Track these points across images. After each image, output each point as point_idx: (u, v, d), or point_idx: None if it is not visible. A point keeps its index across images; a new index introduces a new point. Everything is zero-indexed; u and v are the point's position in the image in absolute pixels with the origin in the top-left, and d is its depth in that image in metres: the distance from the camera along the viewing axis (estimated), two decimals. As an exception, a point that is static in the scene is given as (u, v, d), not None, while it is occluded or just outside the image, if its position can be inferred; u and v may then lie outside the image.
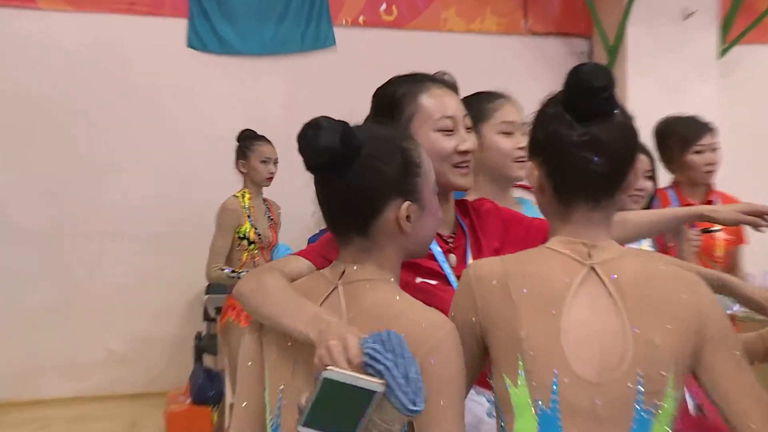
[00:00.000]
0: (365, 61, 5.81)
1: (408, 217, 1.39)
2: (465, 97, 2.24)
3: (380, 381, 1.15)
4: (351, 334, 1.22)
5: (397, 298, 1.36)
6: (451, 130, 1.72)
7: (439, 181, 1.66)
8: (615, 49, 5.97)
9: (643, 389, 1.26)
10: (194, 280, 5.27)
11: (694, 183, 3.29)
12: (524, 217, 1.80)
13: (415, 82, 1.76)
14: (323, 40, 5.84)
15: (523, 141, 2.19)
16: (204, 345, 5.31)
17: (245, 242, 4.06)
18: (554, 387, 1.28)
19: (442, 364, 1.27)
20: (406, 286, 1.45)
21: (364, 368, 1.17)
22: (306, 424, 1.16)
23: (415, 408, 1.15)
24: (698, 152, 3.23)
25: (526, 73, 5.86)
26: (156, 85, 5.58)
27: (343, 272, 1.42)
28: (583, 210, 1.36)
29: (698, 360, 1.30)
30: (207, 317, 5.40)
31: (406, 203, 1.39)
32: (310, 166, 1.38)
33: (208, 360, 5.34)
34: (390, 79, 1.80)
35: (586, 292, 1.31)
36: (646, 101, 5.57)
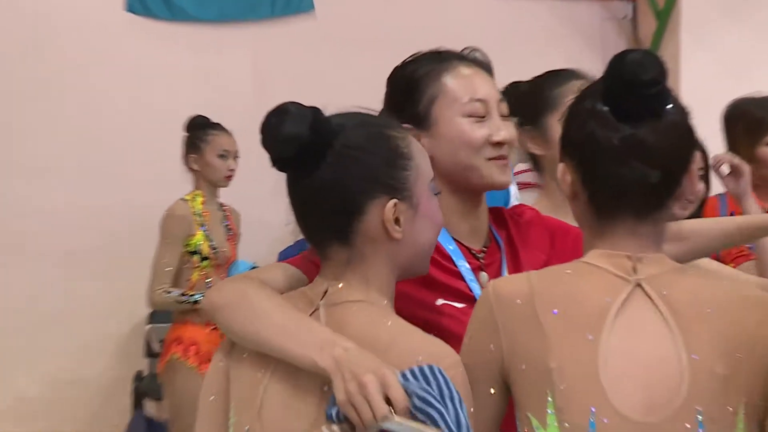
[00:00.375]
0: (350, 28, 5.83)
1: (397, 220, 1.42)
2: (518, 83, 2.30)
3: (436, 430, 1.20)
4: (388, 369, 1.25)
5: (389, 323, 1.39)
6: (483, 116, 1.75)
7: (471, 179, 1.76)
8: (666, 13, 5.99)
9: (704, 429, 1.27)
10: (133, 307, 5.27)
11: (766, 183, 3.33)
12: (570, 226, 1.83)
13: (440, 60, 1.81)
14: (299, 4, 5.87)
15: None
16: (146, 387, 5.27)
17: (196, 258, 4.07)
18: (591, 428, 1.30)
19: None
20: (424, 309, 1.50)
21: (412, 413, 1.22)
22: None
23: None
24: None
25: (554, 45, 5.87)
26: (86, 62, 5.57)
27: (326, 291, 1.46)
28: (627, 223, 1.39)
29: None
30: (150, 353, 5.36)
31: (393, 201, 1.42)
32: (275, 161, 1.43)
33: (150, 406, 5.29)
34: (408, 58, 1.86)
35: (630, 314, 1.34)
36: (704, 80, 5.59)
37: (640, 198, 1.37)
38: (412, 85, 1.80)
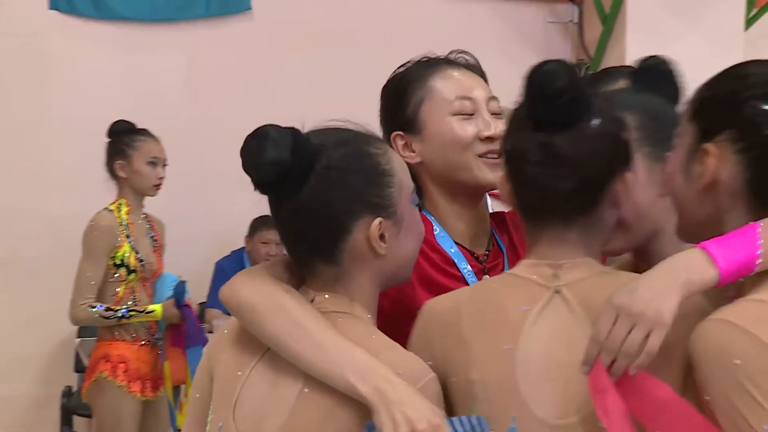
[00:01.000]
0: (290, 29, 5.81)
1: (382, 237, 1.48)
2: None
3: None
4: (438, 416, 1.32)
5: (372, 337, 1.45)
6: (471, 114, 1.81)
7: (462, 178, 1.83)
8: (612, 18, 6.00)
9: None
10: (60, 320, 5.16)
11: None
12: None
13: (428, 65, 1.88)
14: (236, 4, 5.84)
15: None
16: (75, 404, 5.27)
17: (123, 271, 3.95)
18: None
19: None
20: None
21: None
22: None
23: None
24: None
25: (496, 49, 5.85)
26: (7, 62, 5.49)
27: (312, 300, 1.52)
28: (554, 229, 1.46)
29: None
30: (79, 368, 5.34)
31: (378, 220, 1.47)
32: (256, 185, 1.47)
33: (80, 424, 5.29)
34: (399, 67, 1.92)
35: (548, 320, 1.41)
36: (651, 85, 5.59)
37: (562, 204, 1.42)
38: (400, 92, 1.86)
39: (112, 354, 3.94)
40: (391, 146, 1.74)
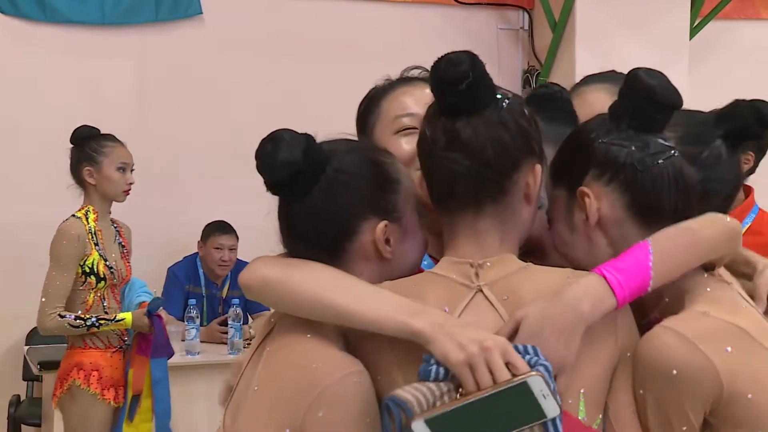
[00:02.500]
0: (241, 35, 5.80)
1: (387, 241, 1.51)
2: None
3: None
4: (502, 339, 1.32)
5: (308, 336, 1.45)
6: (412, 128, 1.79)
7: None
8: (561, 25, 6.06)
9: None
10: (7, 328, 5.12)
11: None
12: None
13: (384, 87, 1.89)
14: (186, 8, 5.82)
15: None
16: (23, 413, 5.24)
17: (92, 279, 3.91)
18: None
19: (332, 419, 1.35)
20: None
21: None
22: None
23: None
24: None
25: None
26: None
27: None
28: (466, 219, 1.47)
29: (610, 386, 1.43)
30: (28, 375, 5.30)
31: (383, 223, 1.50)
32: (269, 185, 1.51)
33: None
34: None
35: (471, 320, 1.41)
36: (600, 91, 5.66)
37: (467, 190, 1.45)
38: (361, 114, 1.89)
39: (85, 362, 3.90)
40: None
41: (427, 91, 1.81)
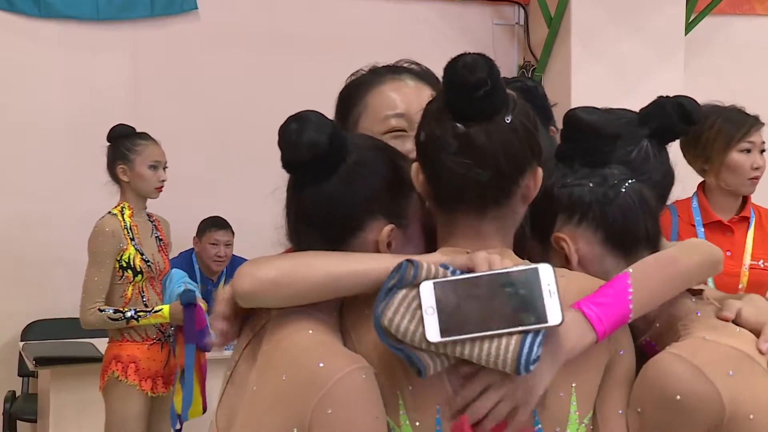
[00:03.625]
0: (235, 30, 5.79)
1: (389, 244, 1.50)
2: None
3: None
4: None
5: (310, 332, 1.43)
6: (401, 130, 1.75)
7: None
8: (557, 20, 6.06)
9: (537, 415, 1.38)
10: (4, 323, 5.13)
11: (725, 192, 3.35)
12: None
13: (372, 75, 1.82)
14: (180, 4, 5.82)
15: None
16: (18, 409, 5.25)
17: (129, 273, 4.02)
18: (438, 425, 1.37)
19: (341, 416, 1.33)
20: None
21: None
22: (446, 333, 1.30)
23: (524, 371, 1.31)
24: (744, 150, 3.29)
25: (444, 49, 5.81)
26: None
27: None
28: (468, 220, 1.47)
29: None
30: (23, 371, 5.31)
31: (390, 227, 1.50)
32: (287, 164, 1.49)
33: (24, 430, 5.23)
34: (353, 73, 1.87)
35: None
36: (595, 87, 5.66)
37: (475, 195, 1.43)
38: (344, 103, 1.83)
39: (123, 355, 4.01)
40: None
41: (412, 84, 1.80)
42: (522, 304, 1.32)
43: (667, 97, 1.72)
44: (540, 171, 1.47)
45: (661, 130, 1.68)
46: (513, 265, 1.36)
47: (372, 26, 5.89)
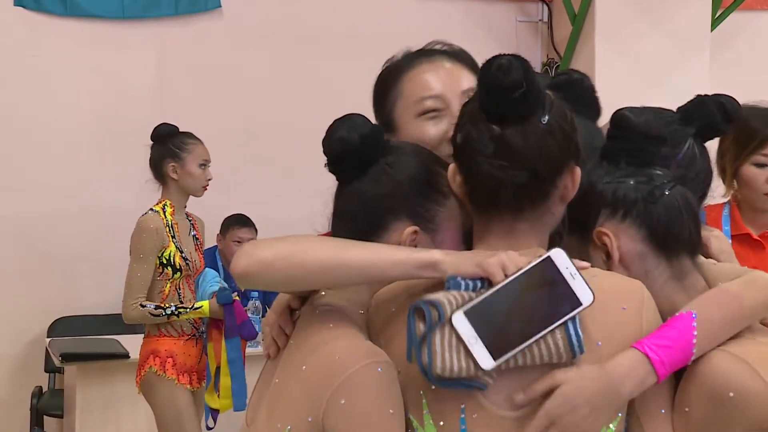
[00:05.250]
0: (259, 28, 5.80)
1: (415, 246, 1.50)
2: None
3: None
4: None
5: (330, 326, 1.46)
6: (437, 110, 1.74)
7: None
8: (581, 17, 6.03)
9: None
10: (30, 320, 5.13)
11: (748, 203, 3.02)
12: None
13: (408, 59, 1.81)
14: (205, 2, 5.83)
15: None
16: (45, 404, 5.27)
17: (169, 270, 4.08)
18: (462, 424, 1.38)
19: (354, 407, 1.35)
20: None
21: None
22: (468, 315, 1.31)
23: (580, 353, 1.33)
24: (757, 165, 2.94)
25: (468, 46, 5.82)
26: None
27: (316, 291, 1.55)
28: (504, 220, 1.46)
29: None
30: (50, 367, 5.33)
31: (412, 228, 1.51)
32: (327, 160, 1.54)
33: (51, 425, 5.24)
34: (389, 58, 1.86)
35: None
36: (620, 84, 5.61)
37: (511, 197, 1.43)
38: (380, 89, 1.82)
39: (160, 349, 4.04)
40: None
41: (448, 65, 1.79)
42: (552, 297, 1.33)
43: (706, 95, 1.71)
44: (578, 171, 1.47)
45: (704, 129, 1.67)
46: (526, 262, 1.36)
47: (396, 23, 5.86)
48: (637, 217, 1.53)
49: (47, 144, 5.36)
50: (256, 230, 5.47)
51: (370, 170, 1.53)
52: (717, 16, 6.18)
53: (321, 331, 1.45)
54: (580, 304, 1.32)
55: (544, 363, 1.34)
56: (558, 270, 1.34)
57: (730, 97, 1.71)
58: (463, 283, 1.35)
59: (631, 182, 1.54)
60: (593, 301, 1.33)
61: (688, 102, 1.71)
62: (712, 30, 6.13)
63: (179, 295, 4.09)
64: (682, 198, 1.55)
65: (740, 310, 1.48)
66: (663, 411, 1.43)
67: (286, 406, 1.42)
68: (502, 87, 1.38)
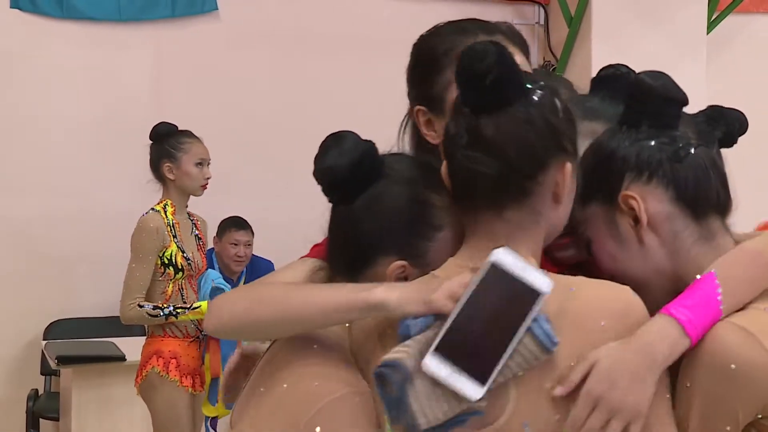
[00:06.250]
0: (256, 30, 5.80)
1: (406, 279, 1.45)
2: None
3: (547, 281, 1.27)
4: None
5: (315, 347, 1.44)
6: None
7: None
8: (577, 20, 6.03)
9: None
10: (26, 322, 5.12)
11: None
12: None
13: (464, 32, 1.70)
14: (201, 4, 5.83)
15: None
16: (41, 407, 5.25)
17: (171, 270, 4.05)
18: None
19: None
20: None
21: None
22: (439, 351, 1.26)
23: (554, 345, 1.27)
24: None
25: (466, 49, 5.90)
26: None
27: None
28: (486, 222, 1.40)
29: None
30: (45, 370, 5.32)
31: (399, 263, 1.44)
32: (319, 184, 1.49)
33: (46, 428, 5.25)
34: (433, 28, 1.76)
35: None
36: (616, 86, 5.63)
37: (488, 191, 1.38)
38: (429, 64, 1.68)
39: (164, 350, 4.01)
40: (410, 115, 1.70)
41: (519, 53, 1.67)
42: (510, 300, 1.27)
43: (721, 107, 1.67)
44: (569, 166, 1.40)
45: (724, 137, 1.62)
46: (470, 277, 1.30)
47: (393, 25, 5.86)
48: (664, 178, 1.48)
49: (44, 145, 5.35)
50: (252, 233, 5.47)
51: (359, 198, 1.46)
52: (713, 19, 6.19)
53: (304, 352, 1.43)
54: (539, 294, 1.26)
55: (525, 369, 1.28)
56: (506, 271, 1.28)
57: (741, 112, 1.68)
58: (413, 327, 1.30)
59: (654, 144, 1.49)
60: (553, 286, 1.27)
61: (707, 109, 1.66)
62: (708, 33, 6.14)
63: (182, 296, 4.06)
64: (708, 157, 1.50)
65: (764, 267, 1.43)
66: (668, 396, 1.35)
67: (265, 421, 1.41)
68: (475, 73, 1.33)
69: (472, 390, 1.25)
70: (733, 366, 1.32)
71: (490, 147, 1.35)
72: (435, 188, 1.47)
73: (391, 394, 1.27)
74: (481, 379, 1.26)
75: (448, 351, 1.26)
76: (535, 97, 1.37)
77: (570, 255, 1.58)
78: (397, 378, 1.26)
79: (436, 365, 1.26)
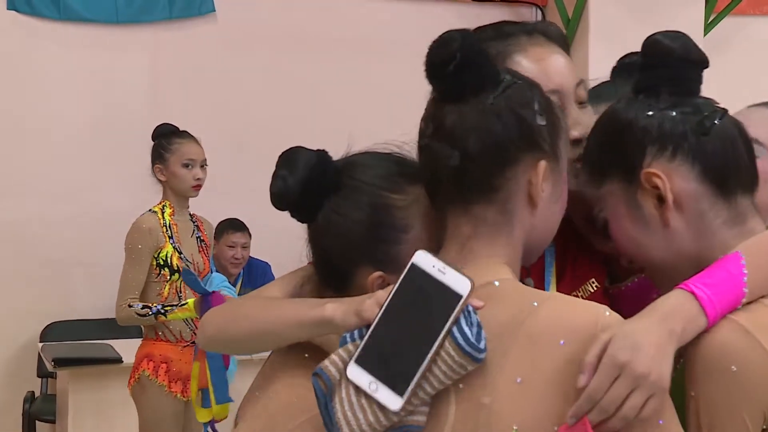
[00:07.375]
0: (253, 32, 5.81)
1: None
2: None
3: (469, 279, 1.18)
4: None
5: (306, 356, 1.42)
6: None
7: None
8: (575, 21, 6.04)
9: None
10: (22, 324, 5.12)
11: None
12: None
13: (506, 36, 1.63)
14: (199, 6, 5.84)
15: None
16: (37, 409, 5.26)
17: (166, 271, 4.03)
18: None
19: None
20: None
21: None
22: (360, 363, 1.20)
23: (480, 352, 1.17)
24: None
25: (463, 51, 5.91)
26: None
27: None
28: (455, 222, 1.31)
29: None
30: (42, 372, 5.32)
31: (377, 274, 1.39)
32: None
33: (43, 430, 5.26)
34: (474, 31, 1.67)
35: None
36: (614, 88, 5.64)
37: (451, 184, 1.29)
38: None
39: (155, 353, 3.99)
40: None
41: (566, 60, 1.59)
42: (428, 304, 1.18)
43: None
44: (543, 165, 1.29)
45: None
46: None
47: (389, 27, 5.88)
48: (689, 153, 1.35)
49: (42, 148, 5.35)
50: (249, 235, 5.47)
51: (319, 215, 1.40)
52: (710, 20, 6.21)
53: (296, 361, 1.43)
54: (460, 296, 1.16)
55: (453, 379, 1.18)
56: (426, 273, 1.19)
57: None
58: (348, 336, 1.23)
59: (676, 114, 1.36)
60: (473, 286, 1.17)
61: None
62: (705, 35, 6.15)
63: (179, 298, 4.03)
64: (735, 127, 1.39)
65: None
66: (661, 422, 1.20)
67: (260, 427, 1.41)
68: (437, 60, 1.26)
69: (391, 400, 1.18)
70: (733, 368, 1.23)
71: (451, 136, 1.27)
72: (395, 188, 1.42)
73: (318, 402, 1.23)
74: (400, 389, 1.18)
75: (369, 359, 1.20)
76: (509, 90, 1.28)
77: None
78: (319, 386, 1.22)
79: (357, 373, 1.19)
